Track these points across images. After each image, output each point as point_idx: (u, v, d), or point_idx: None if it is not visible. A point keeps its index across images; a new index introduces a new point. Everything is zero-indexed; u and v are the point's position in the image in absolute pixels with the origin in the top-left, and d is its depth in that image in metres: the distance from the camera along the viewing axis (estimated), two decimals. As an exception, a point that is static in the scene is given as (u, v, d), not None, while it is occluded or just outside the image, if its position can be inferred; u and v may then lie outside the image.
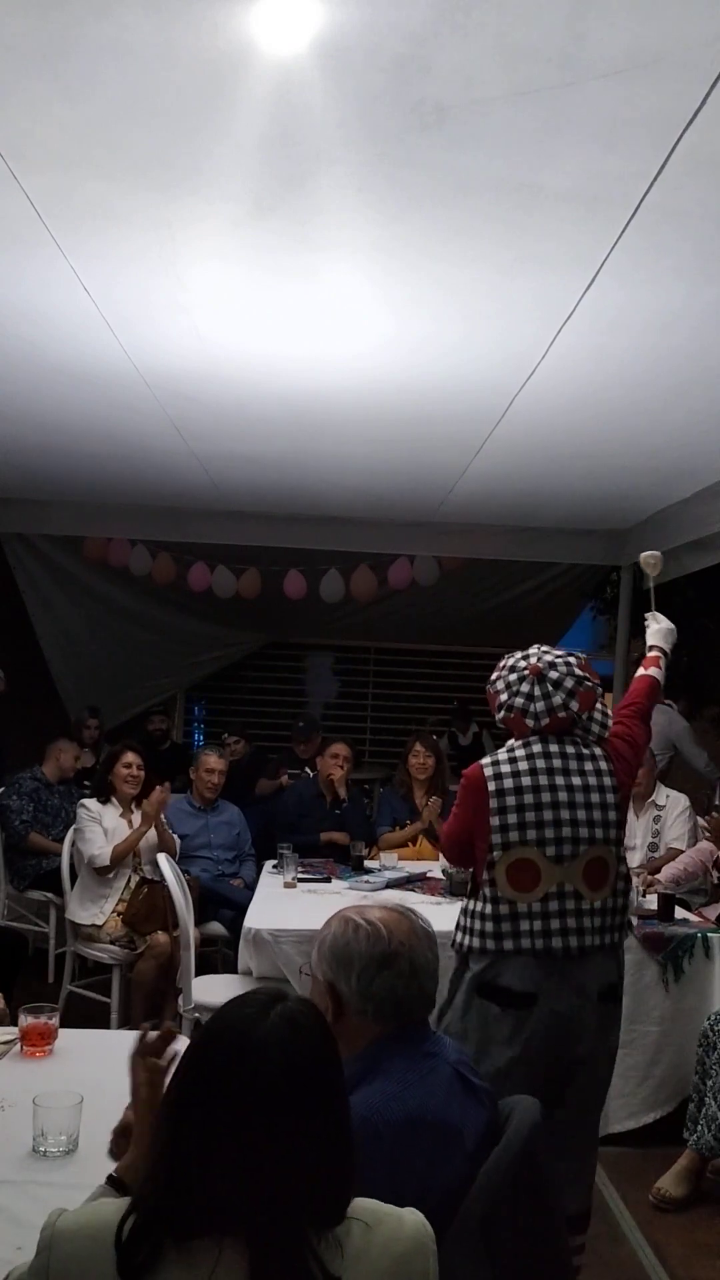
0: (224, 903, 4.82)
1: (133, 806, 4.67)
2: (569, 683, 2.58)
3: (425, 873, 4.64)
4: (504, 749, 2.66)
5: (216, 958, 4.90)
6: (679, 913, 3.96)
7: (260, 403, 4.10)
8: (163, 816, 4.71)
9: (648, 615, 3.18)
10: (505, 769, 2.57)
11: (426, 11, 1.71)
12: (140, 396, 4.05)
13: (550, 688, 2.57)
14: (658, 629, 3.14)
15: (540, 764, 2.56)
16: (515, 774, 2.55)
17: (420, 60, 1.84)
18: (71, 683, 7.61)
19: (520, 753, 2.59)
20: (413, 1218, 1.24)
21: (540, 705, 2.57)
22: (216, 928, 4.80)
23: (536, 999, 2.46)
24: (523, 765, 2.56)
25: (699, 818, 4.92)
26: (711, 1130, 3.19)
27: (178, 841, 4.79)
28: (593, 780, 2.57)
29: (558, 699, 2.56)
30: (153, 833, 4.61)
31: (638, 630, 7.99)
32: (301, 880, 4.45)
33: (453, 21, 1.73)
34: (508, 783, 2.55)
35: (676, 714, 6.61)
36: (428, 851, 5.08)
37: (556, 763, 2.57)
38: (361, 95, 1.95)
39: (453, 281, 2.80)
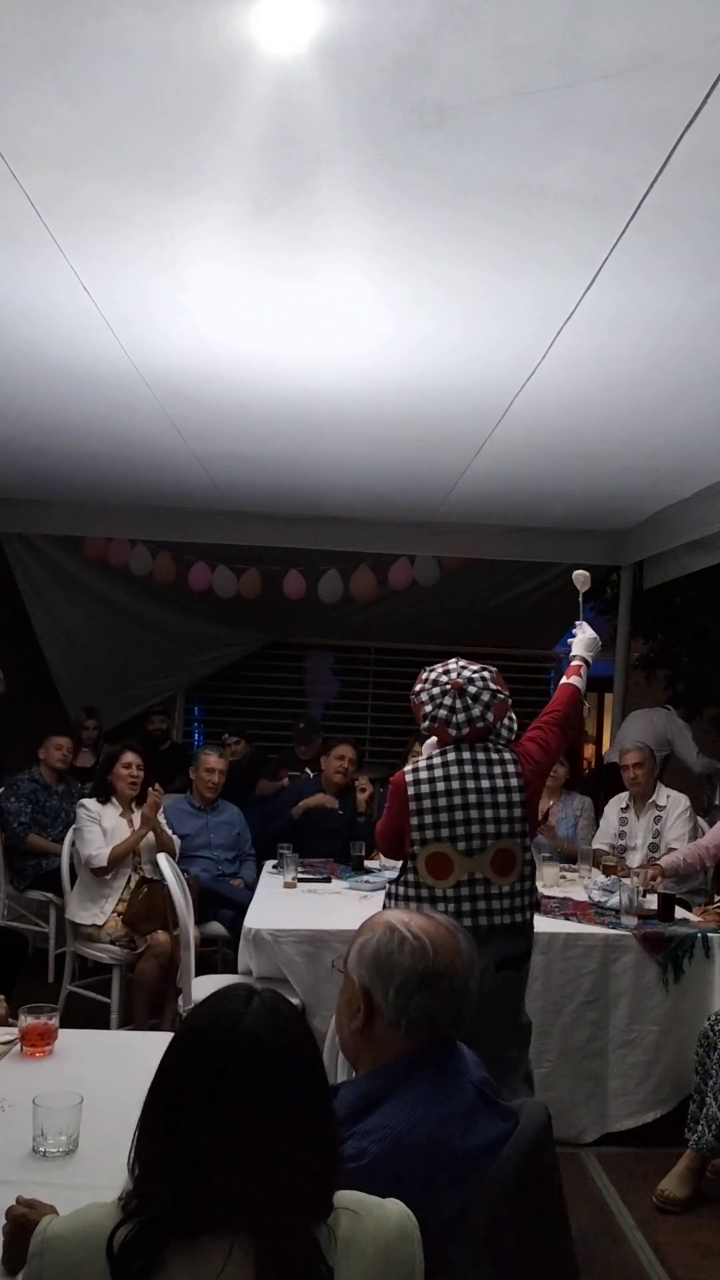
0: (224, 903, 4.82)
1: (133, 806, 4.67)
2: (485, 696, 2.91)
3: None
4: (424, 757, 3.00)
5: (216, 958, 4.90)
6: (679, 913, 3.96)
7: (260, 403, 4.10)
8: (161, 817, 4.70)
9: (576, 624, 3.43)
10: (424, 775, 2.92)
11: (426, 12, 1.71)
12: (140, 396, 4.05)
13: (469, 701, 2.90)
14: (582, 639, 3.38)
15: (454, 770, 2.91)
16: (431, 780, 2.90)
17: (420, 60, 1.84)
18: (71, 683, 7.61)
19: (437, 760, 2.94)
20: (395, 1207, 1.25)
21: (461, 717, 2.90)
22: (216, 928, 4.80)
23: None
24: (439, 772, 2.91)
25: (699, 818, 4.93)
26: (712, 1130, 3.19)
27: (177, 842, 4.78)
28: (500, 782, 2.91)
29: (475, 711, 2.90)
30: (152, 833, 4.61)
31: (638, 630, 8.05)
32: (301, 880, 4.45)
33: (453, 22, 1.73)
34: (424, 788, 2.90)
35: (674, 715, 6.63)
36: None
37: (468, 768, 2.91)
38: (361, 95, 1.95)
39: (453, 282, 2.80)
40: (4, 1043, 2.37)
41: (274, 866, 4.72)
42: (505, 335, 3.20)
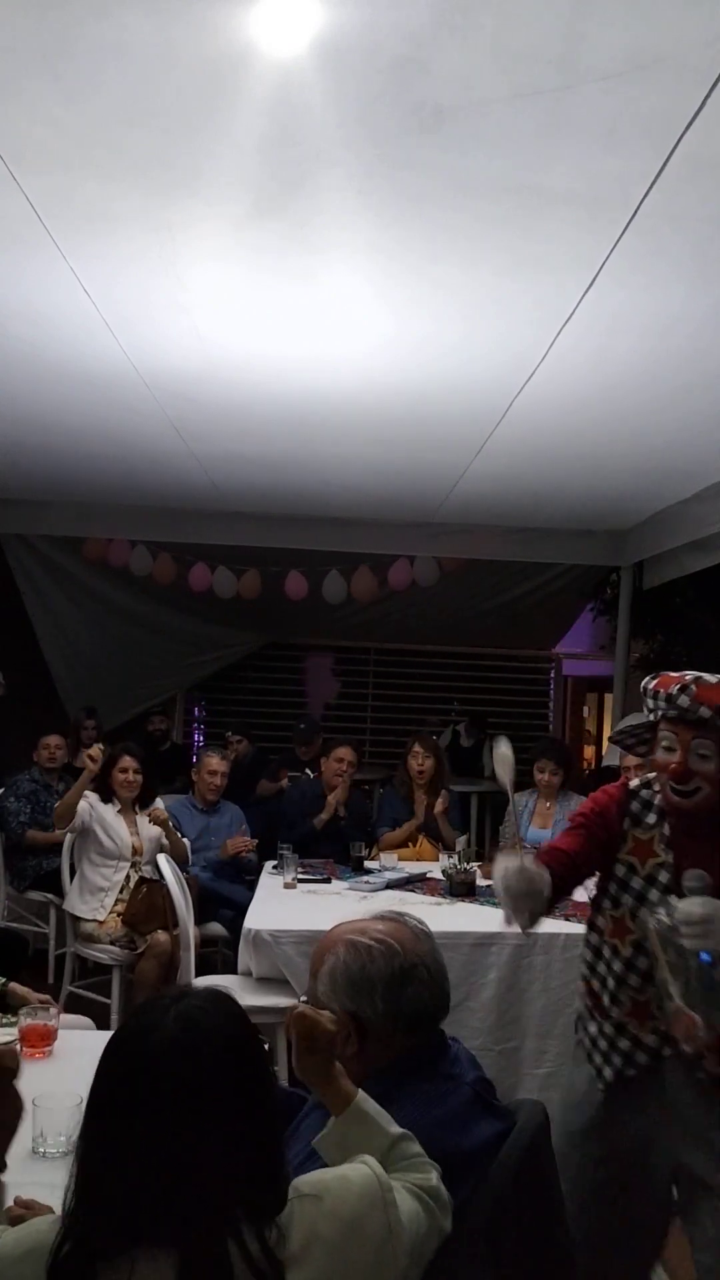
0: (224, 903, 4.83)
1: (135, 807, 4.69)
2: None
3: (425, 873, 4.64)
4: None
5: (216, 958, 4.90)
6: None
7: (260, 403, 4.10)
8: (170, 819, 4.74)
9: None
10: None
11: (426, 13, 1.72)
12: (140, 397, 4.05)
13: None
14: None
15: None
16: None
17: (420, 62, 1.84)
18: (71, 683, 7.62)
19: None
20: (358, 1173, 1.25)
21: None
22: (216, 928, 4.80)
23: None
24: None
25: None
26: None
27: (188, 844, 4.80)
28: None
29: None
30: (155, 833, 4.63)
31: (638, 630, 8.05)
32: (301, 881, 4.45)
33: (452, 23, 1.74)
34: None
35: None
36: (428, 852, 5.08)
37: None
38: (361, 96, 1.95)
39: (452, 283, 2.81)
40: (4, 1043, 2.37)
41: (274, 867, 4.73)
42: (505, 336, 3.20)
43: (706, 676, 2.06)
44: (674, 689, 2.04)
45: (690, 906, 1.88)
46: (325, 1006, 1.61)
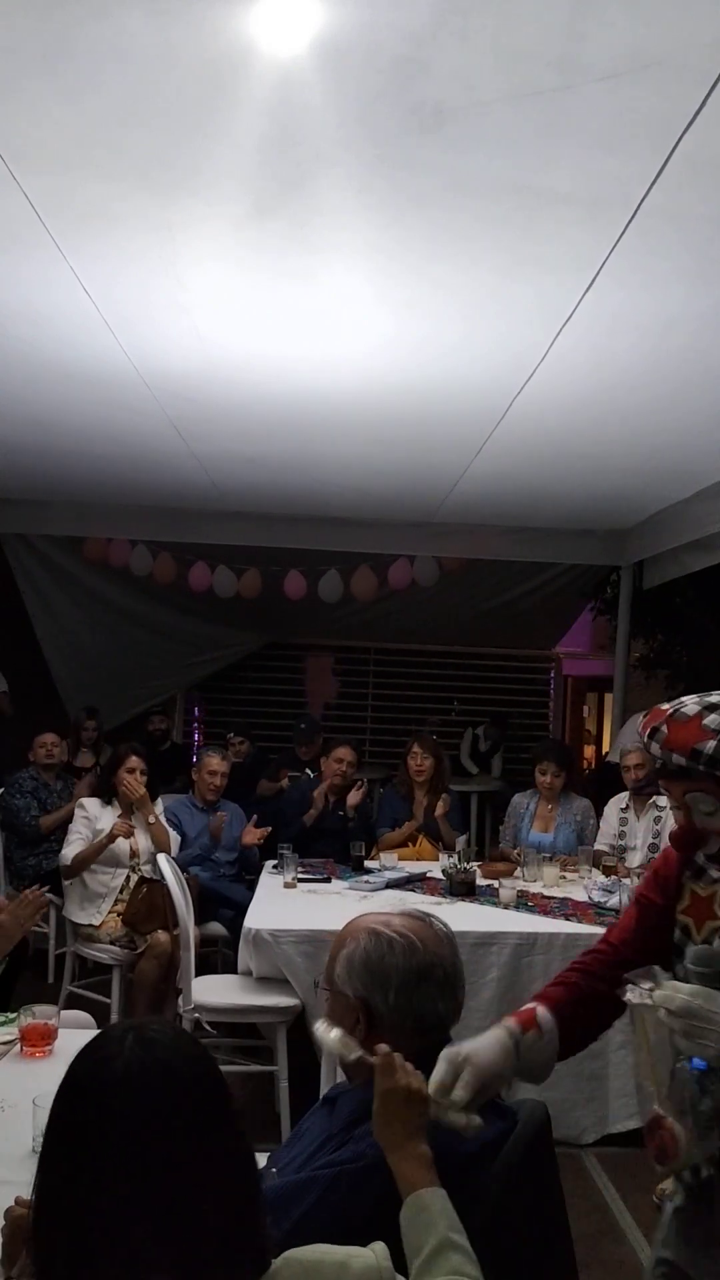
0: (224, 903, 4.83)
1: (133, 809, 4.68)
2: None
3: (425, 873, 4.64)
4: None
5: (216, 958, 4.90)
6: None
7: (260, 403, 4.10)
8: (161, 813, 4.74)
9: None
10: None
11: (426, 13, 1.72)
12: (140, 397, 4.06)
13: None
14: None
15: None
16: None
17: (419, 62, 1.84)
18: (71, 683, 7.62)
19: None
20: (361, 1261, 1.11)
21: None
22: (216, 928, 4.80)
23: None
24: None
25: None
26: (711, 1130, 3.18)
27: (175, 839, 4.79)
28: None
29: None
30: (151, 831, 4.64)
31: (638, 630, 8.05)
32: (301, 880, 4.45)
33: (451, 23, 1.74)
34: None
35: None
36: (428, 852, 5.08)
37: None
38: (361, 97, 1.95)
39: (452, 283, 2.81)
40: (4, 1043, 2.38)
41: (274, 866, 4.73)
42: (505, 337, 3.20)
43: (686, 706, 1.67)
44: (647, 735, 1.70)
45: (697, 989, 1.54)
46: (340, 990, 1.62)
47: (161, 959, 4.24)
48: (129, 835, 4.56)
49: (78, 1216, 0.99)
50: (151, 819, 4.67)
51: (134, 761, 4.68)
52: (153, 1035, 1.06)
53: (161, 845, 4.61)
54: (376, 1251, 1.14)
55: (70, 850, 4.50)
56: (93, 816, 4.58)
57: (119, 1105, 1.01)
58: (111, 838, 4.51)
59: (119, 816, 4.63)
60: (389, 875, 4.53)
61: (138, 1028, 1.08)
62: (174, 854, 4.61)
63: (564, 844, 5.07)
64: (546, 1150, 1.62)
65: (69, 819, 4.84)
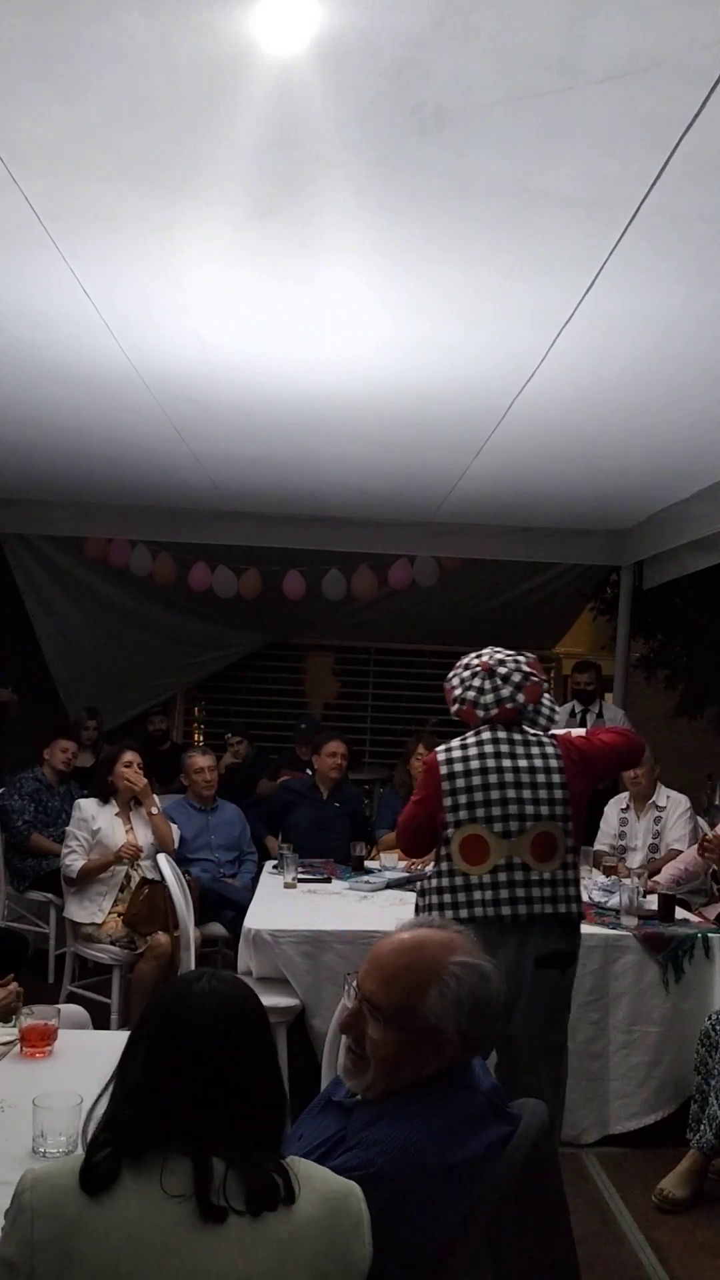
0: (224, 903, 4.83)
1: (131, 805, 4.68)
2: (516, 677, 2.88)
3: (425, 873, 4.63)
4: (458, 738, 2.91)
5: (216, 958, 4.90)
6: (679, 913, 3.96)
7: (260, 404, 4.11)
8: (160, 809, 4.75)
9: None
10: (457, 754, 2.87)
11: (425, 15, 1.72)
12: (140, 398, 4.06)
13: (499, 681, 2.88)
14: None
15: (489, 749, 2.85)
16: (465, 759, 2.85)
17: (419, 64, 1.84)
18: (71, 683, 7.61)
19: (471, 740, 2.89)
20: (341, 1184, 1.35)
21: (489, 698, 2.87)
22: (216, 928, 4.80)
23: None
24: (472, 751, 2.86)
25: (699, 818, 4.93)
26: (713, 1129, 3.19)
27: (176, 831, 4.78)
28: (539, 763, 2.84)
29: (505, 691, 2.87)
30: (150, 833, 4.64)
31: (638, 630, 8.04)
32: (301, 880, 4.46)
33: (451, 25, 1.74)
34: (458, 766, 2.84)
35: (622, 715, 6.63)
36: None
37: (504, 748, 2.85)
38: (361, 98, 1.95)
39: (452, 284, 2.81)
40: (4, 1043, 2.38)
41: (274, 866, 4.73)
42: (504, 338, 3.21)
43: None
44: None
45: None
46: (431, 1027, 1.55)
47: (161, 960, 4.24)
48: (136, 857, 4.53)
49: (155, 1092, 1.30)
50: (154, 810, 4.67)
51: (130, 755, 4.67)
52: (224, 977, 1.42)
53: (164, 837, 4.61)
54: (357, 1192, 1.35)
55: (74, 863, 4.47)
56: (89, 817, 4.56)
57: (195, 1015, 1.35)
58: (119, 859, 4.51)
59: (115, 815, 4.62)
60: (389, 875, 4.54)
61: (212, 972, 1.43)
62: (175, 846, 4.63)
63: None
64: (549, 1152, 1.62)
65: (56, 853, 4.83)
